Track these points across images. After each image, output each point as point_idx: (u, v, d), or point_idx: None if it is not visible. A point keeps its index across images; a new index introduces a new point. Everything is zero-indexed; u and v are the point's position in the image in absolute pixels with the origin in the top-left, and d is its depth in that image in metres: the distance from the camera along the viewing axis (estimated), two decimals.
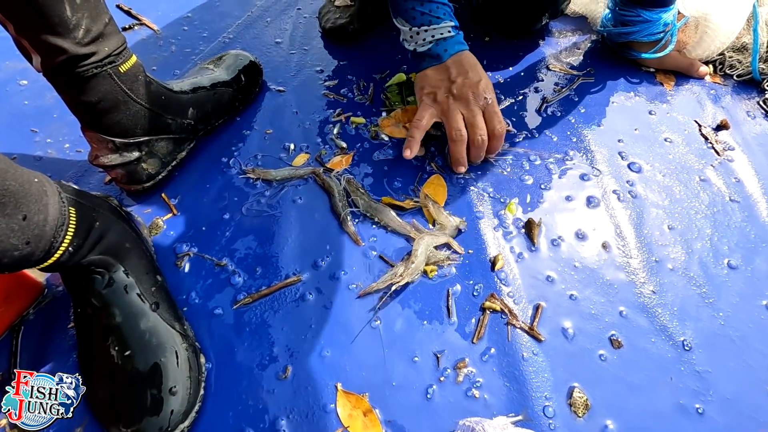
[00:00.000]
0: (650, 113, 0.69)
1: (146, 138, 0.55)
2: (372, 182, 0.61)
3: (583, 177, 0.61)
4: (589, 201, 0.59)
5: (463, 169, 0.60)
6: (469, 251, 0.55)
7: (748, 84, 0.73)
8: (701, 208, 0.59)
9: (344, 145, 0.64)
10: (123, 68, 0.50)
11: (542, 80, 0.73)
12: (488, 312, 0.50)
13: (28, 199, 0.37)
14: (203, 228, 0.57)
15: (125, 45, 0.51)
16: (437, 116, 0.58)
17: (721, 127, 0.66)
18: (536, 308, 0.50)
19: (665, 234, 0.56)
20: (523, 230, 0.56)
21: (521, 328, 0.49)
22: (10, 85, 0.74)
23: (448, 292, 0.51)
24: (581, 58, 0.77)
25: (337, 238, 0.56)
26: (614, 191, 0.60)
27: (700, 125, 0.67)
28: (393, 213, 0.56)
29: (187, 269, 0.54)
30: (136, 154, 0.55)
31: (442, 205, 0.58)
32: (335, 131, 0.66)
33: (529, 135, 0.66)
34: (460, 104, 0.57)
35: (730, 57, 0.74)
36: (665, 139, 0.66)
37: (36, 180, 0.39)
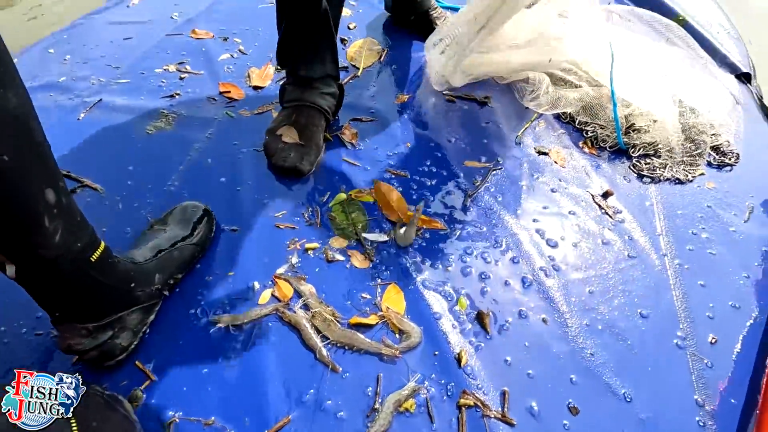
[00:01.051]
0: (553, 191, 0.83)
1: (118, 315, 0.57)
2: (336, 303, 0.67)
3: (513, 260, 0.72)
4: (524, 281, 0.69)
5: None
6: (435, 353, 0.62)
7: (618, 153, 0.90)
8: (609, 267, 0.71)
9: (303, 276, 0.70)
10: (94, 257, 0.52)
11: (460, 176, 0.86)
12: (464, 408, 0.56)
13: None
14: (184, 388, 0.59)
15: (94, 234, 0.53)
16: None
17: (607, 194, 0.82)
18: (503, 394, 0.58)
19: (588, 298, 0.67)
20: (476, 321, 0.65)
21: (495, 417, 0.56)
22: None
23: (426, 399, 0.57)
24: (488, 150, 0.91)
25: (316, 368, 0.60)
26: (541, 268, 0.71)
27: (593, 195, 0.82)
28: (362, 336, 0.62)
29: None
30: (109, 333, 0.57)
31: (402, 314, 0.65)
32: (293, 261, 0.72)
33: (462, 228, 0.77)
34: None
35: (600, 133, 0.91)
36: (570, 212, 0.79)
37: None
